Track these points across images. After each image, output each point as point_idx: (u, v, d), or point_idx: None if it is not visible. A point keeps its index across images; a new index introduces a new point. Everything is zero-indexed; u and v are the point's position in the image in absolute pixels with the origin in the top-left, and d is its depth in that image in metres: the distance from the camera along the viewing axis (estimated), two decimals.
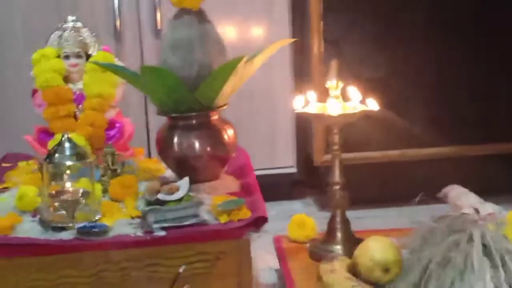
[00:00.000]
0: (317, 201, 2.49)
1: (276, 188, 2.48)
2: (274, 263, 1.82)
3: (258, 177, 1.78)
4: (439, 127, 2.36)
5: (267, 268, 1.92)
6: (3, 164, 1.92)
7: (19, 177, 1.75)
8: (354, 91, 1.74)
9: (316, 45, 2.31)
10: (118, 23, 2.36)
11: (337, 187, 1.73)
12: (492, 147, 2.39)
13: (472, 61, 2.35)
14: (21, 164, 1.83)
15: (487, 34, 2.34)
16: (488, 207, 1.79)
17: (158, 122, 1.86)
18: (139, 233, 1.46)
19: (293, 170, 2.50)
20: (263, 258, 1.95)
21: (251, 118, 2.45)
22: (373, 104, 1.73)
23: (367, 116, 1.74)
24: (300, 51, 2.45)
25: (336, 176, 1.74)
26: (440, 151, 2.36)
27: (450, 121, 2.37)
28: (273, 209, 2.42)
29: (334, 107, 1.72)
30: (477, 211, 1.75)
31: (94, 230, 1.45)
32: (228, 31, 2.37)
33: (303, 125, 2.48)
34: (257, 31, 2.41)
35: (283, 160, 2.49)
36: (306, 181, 2.57)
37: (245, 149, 1.98)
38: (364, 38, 2.31)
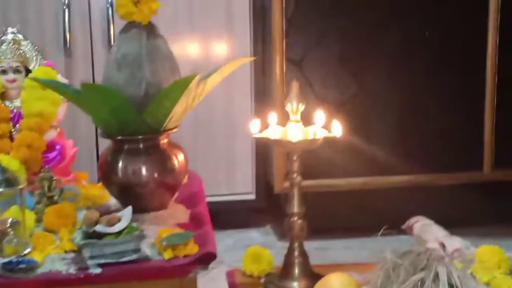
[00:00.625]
0: (277, 229, 2.46)
1: (234, 215, 2.44)
2: None
3: (214, 203, 1.70)
4: (405, 154, 2.33)
5: None
6: None
7: None
8: (317, 115, 1.66)
9: (278, 65, 2.25)
10: (68, 37, 2.26)
11: (296, 218, 1.66)
12: (460, 176, 2.36)
13: (443, 86, 2.32)
14: None
15: (461, 58, 2.31)
16: (455, 242, 1.72)
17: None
18: (72, 270, 1.34)
19: (252, 196, 2.44)
20: None
21: (208, 141, 2.38)
22: (336, 130, 1.63)
23: (330, 142, 1.67)
24: (261, 71, 2.40)
25: (295, 206, 1.66)
26: (406, 179, 2.33)
27: (417, 147, 2.33)
28: (230, 238, 2.38)
29: (294, 132, 1.63)
30: (443, 246, 1.70)
31: (20, 266, 1.32)
32: (186, 48, 2.29)
33: (263, 150, 2.42)
34: (218, 48, 2.33)
35: (242, 187, 2.43)
36: (265, 209, 2.51)
37: (199, 175, 1.86)
38: (329, 58, 2.27)
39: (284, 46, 2.24)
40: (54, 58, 2.20)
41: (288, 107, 1.66)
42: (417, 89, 2.30)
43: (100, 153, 2.21)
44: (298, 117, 1.66)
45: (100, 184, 1.73)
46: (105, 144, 1.87)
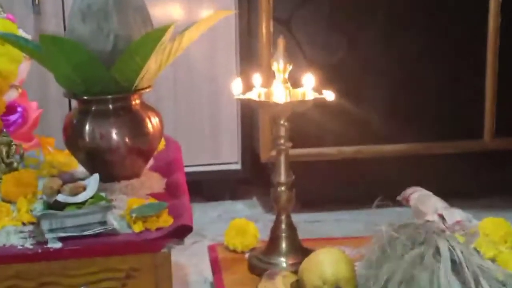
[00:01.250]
0: (263, 202, 2.33)
1: (219, 186, 2.33)
2: (210, 274, 1.64)
3: (197, 173, 1.56)
4: (399, 121, 2.20)
5: (202, 280, 1.79)
6: None
7: None
8: (307, 77, 1.54)
9: (265, 24, 2.11)
10: None
11: (282, 188, 1.57)
12: (457, 145, 2.24)
13: (442, 51, 2.19)
14: None
15: (462, 23, 2.18)
16: (455, 214, 1.62)
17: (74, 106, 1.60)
18: (29, 244, 1.21)
19: (237, 166, 2.32)
20: (198, 268, 1.83)
21: (191, 106, 2.25)
22: (328, 94, 1.50)
23: (320, 106, 1.55)
24: (247, 31, 2.25)
25: (282, 174, 1.56)
26: (401, 148, 2.20)
27: (412, 115, 2.21)
28: (213, 210, 2.28)
29: (280, 93, 1.52)
30: (442, 218, 1.61)
31: None
32: (165, 8, 2.15)
33: (249, 115, 2.30)
34: (199, 7, 2.17)
35: (226, 155, 2.31)
36: (251, 179, 2.39)
37: (177, 141, 1.73)
38: (319, 17, 2.12)
39: (271, 4, 2.10)
40: (22, 16, 2.06)
41: (274, 66, 1.55)
42: (413, 53, 2.17)
43: None
44: (286, 76, 1.52)
45: (68, 151, 1.58)
46: None
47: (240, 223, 1.68)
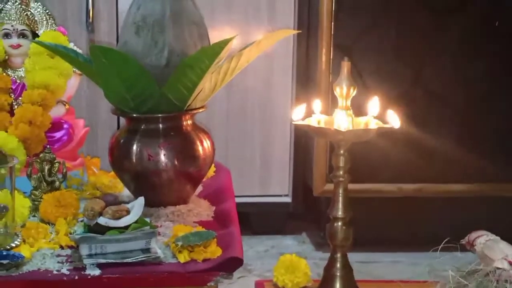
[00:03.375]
0: (314, 238, 2.26)
1: (267, 219, 2.26)
2: None
3: (245, 204, 1.47)
4: (467, 159, 2.12)
5: None
6: None
7: None
8: (370, 104, 1.44)
9: (325, 51, 2.05)
10: (91, 10, 2.08)
11: (340, 223, 1.46)
12: None
13: (511, 85, 2.12)
14: None
15: None
16: None
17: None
18: (65, 270, 1.12)
19: (288, 199, 2.25)
20: None
21: (242, 133, 2.20)
22: (393, 119, 1.39)
23: (381, 137, 1.52)
24: (305, 57, 2.20)
25: (340, 209, 1.46)
26: (467, 188, 2.13)
27: (481, 153, 2.13)
28: (261, 244, 2.22)
29: (342, 120, 1.42)
30: None
31: (2, 261, 1.10)
32: (224, 31, 2.12)
33: (303, 145, 2.24)
34: (257, 32, 2.14)
35: (277, 187, 2.25)
36: (302, 214, 2.33)
37: (228, 168, 1.64)
38: (382, 46, 2.07)
39: (332, 30, 2.05)
40: (76, 34, 2.03)
41: (337, 91, 1.44)
42: (484, 86, 2.10)
43: None
44: (348, 103, 1.43)
45: (114, 173, 1.50)
46: None
47: (291, 259, 1.58)
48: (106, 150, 1.42)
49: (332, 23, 2.04)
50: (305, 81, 2.18)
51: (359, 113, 1.45)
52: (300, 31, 1.76)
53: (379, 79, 2.06)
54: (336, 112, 1.43)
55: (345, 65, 1.44)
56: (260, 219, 2.22)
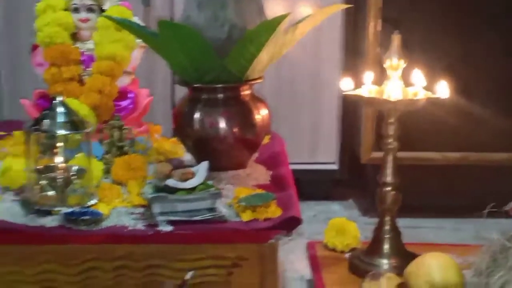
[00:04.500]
0: (360, 204, 2.28)
1: (315, 186, 2.28)
2: (307, 272, 1.66)
3: (294, 171, 1.53)
4: (510, 129, 2.11)
5: (298, 277, 1.75)
6: None
7: (10, 148, 1.48)
8: (417, 75, 1.50)
9: (373, 23, 2.07)
10: None
11: (389, 188, 1.53)
12: None
13: None
14: (16, 133, 1.57)
15: None
16: None
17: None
18: (140, 226, 1.22)
19: (335, 167, 2.28)
20: (294, 266, 1.80)
21: (291, 101, 2.22)
22: (442, 90, 1.44)
23: (429, 107, 1.51)
24: (353, 29, 2.21)
25: (389, 175, 1.53)
26: (510, 157, 2.11)
27: None
28: (310, 210, 2.24)
29: (393, 90, 1.48)
30: None
31: (84, 218, 1.20)
32: (272, 5, 2.09)
33: (351, 114, 2.25)
34: (305, 6, 2.13)
35: (324, 155, 2.27)
36: (348, 181, 2.35)
37: (280, 136, 1.69)
38: (431, 18, 2.07)
39: (380, 3, 2.05)
40: (133, 9, 2.10)
41: (387, 63, 1.50)
42: None
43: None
44: (399, 74, 1.48)
45: (174, 139, 1.60)
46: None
47: (341, 222, 1.66)
48: (162, 118, 1.50)
49: None
50: (353, 52, 2.19)
51: (405, 84, 1.49)
52: (352, 5, 1.78)
53: (426, 51, 2.04)
54: (387, 83, 1.50)
55: (396, 38, 1.49)
56: (308, 185, 2.22)
